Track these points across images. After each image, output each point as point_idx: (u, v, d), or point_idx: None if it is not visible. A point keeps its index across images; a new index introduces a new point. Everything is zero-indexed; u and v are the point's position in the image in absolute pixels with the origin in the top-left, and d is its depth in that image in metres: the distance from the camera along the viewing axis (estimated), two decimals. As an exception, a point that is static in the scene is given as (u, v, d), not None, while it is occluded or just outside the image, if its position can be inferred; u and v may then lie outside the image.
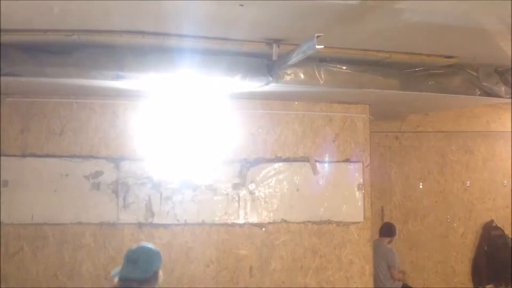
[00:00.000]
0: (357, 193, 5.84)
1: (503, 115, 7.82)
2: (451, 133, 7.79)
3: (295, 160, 5.73)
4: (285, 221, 5.67)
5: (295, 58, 3.85)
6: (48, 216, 5.25)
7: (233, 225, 5.56)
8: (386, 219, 7.49)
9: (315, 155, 5.77)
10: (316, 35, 3.33)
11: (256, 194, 5.63)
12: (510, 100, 5.35)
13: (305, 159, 5.75)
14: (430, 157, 7.76)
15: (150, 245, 3.31)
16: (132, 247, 3.24)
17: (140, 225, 5.40)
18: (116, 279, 3.08)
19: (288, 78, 4.67)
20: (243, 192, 5.61)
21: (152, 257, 3.22)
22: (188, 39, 4.10)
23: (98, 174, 5.36)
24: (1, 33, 3.84)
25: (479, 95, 5.25)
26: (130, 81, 4.48)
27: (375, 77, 4.90)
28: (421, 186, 7.73)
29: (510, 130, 7.76)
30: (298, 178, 5.73)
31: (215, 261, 5.52)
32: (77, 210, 5.30)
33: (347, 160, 5.85)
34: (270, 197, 5.65)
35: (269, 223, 5.64)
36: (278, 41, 4.18)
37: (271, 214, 5.65)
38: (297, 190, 5.72)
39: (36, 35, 3.96)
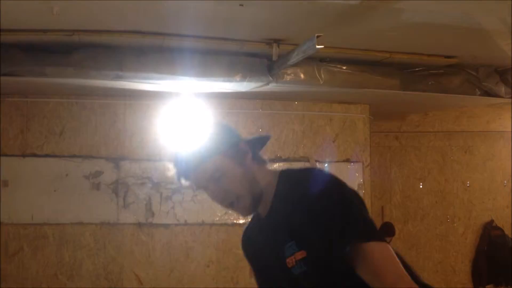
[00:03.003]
0: (357, 193, 5.83)
1: (503, 115, 7.80)
2: (451, 133, 7.78)
3: (295, 160, 5.73)
4: (285, 221, 5.66)
5: (295, 58, 3.85)
6: (48, 216, 5.25)
7: (233, 225, 5.56)
8: (386, 219, 7.48)
9: (315, 155, 5.77)
10: (316, 35, 3.33)
11: (256, 194, 5.62)
12: (510, 100, 5.34)
13: (305, 159, 5.75)
14: (430, 157, 7.75)
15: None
16: None
17: (140, 225, 5.40)
18: None
19: (288, 78, 4.67)
20: (243, 192, 5.60)
21: None
22: (188, 39, 4.10)
23: (98, 174, 5.36)
24: (1, 33, 3.84)
25: (479, 95, 5.24)
26: (130, 81, 4.48)
27: (375, 77, 4.90)
28: (421, 186, 7.72)
29: (510, 130, 7.75)
30: (298, 178, 5.71)
31: (215, 261, 5.52)
32: (77, 210, 5.30)
33: (347, 160, 5.85)
34: (270, 197, 5.64)
35: (269, 223, 5.63)
36: (278, 41, 4.17)
37: (271, 214, 5.64)
38: (297, 190, 5.71)
39: (36, 35, 3.96)
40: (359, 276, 1.67)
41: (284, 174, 1.90)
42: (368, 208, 6.08)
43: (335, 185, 1.85)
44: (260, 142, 2.05)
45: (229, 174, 1.84)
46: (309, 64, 4.66)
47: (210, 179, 1.84)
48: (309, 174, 1.92)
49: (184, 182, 1.89)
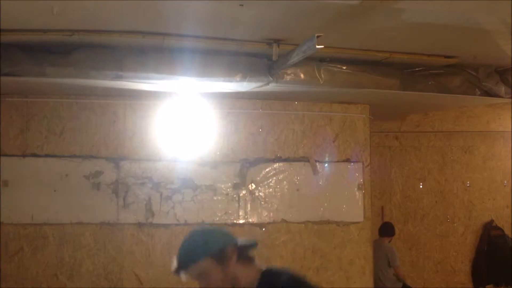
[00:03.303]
0: (357, 193, 5.84)
1: (503, 115, 7.82)
2: (451, 133, 7.79)
3: (295, 160, 5.73)
4: (285, 221, 5.67)
5: (295, 58, 3.85)
6: (48, 216, 5.25)
7: (233, 225, 5.56)
8: (386, 219, 7.49)
9: (315, 155, 5.77)
10: (316, 35, 3.33)
11: (256, 194, 5.63)
12: (510, 100, 5.35)
13: (305, 159, 5.75)
14: (430, 157, 7.76)
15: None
16: None
17: (140, 225, 5.40)
18: None
19: (288, 78, 4.67)
20: (243, 192, 5.61)
21: None
22: (188, 39, 4.10)
23: (98, 174, 5.36)
24: (1, 33, 3.84)
25: (479, 95, 5.25)
26: (130, 81, 4.48)
27: (375, 77, 4.90)
28: (421, 186, 7.73)
29: (510, 130, 7.76)
30: (298, 178, 5.72)
31: (215, 261, 5.51)
32: (77, 210, 5.30)
33: (347, 160, 5.85)
34: (270, 197, 5.65)
35: (269, 223, 5.64)
36: (278, 41, 4.17)
37: (271, 214, 5.65)
38: (297, 190, 5.72)
39: (36, 35, 3.96)
40: None
41: (265, 274, 2.30)
42: (368, 208, 6.04)
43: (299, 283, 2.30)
44: (248, 245, 2.35)
45: (214, 275, 2.22)
46: (309, 64, 4.67)
47: (199, 276, 2.23)
48: (285, 276, 2.31)
49: (183, 275, 2.26)
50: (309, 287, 2.31)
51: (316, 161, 5.76)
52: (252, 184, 5.62)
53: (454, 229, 7.80)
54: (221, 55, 4.44)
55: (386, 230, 7.03)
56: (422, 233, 7.72)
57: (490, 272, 7.70)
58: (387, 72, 4.94)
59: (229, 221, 5.55)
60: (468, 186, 7.82)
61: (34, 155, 5.29)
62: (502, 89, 5.21)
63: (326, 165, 5.80)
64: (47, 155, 5.30)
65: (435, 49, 4.63)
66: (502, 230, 7.79)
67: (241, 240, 2.32)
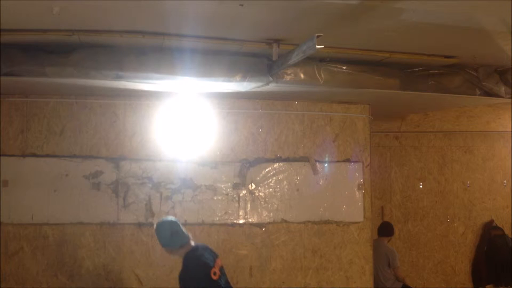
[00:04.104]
0: (357, 193, 5.84)
1: (503, 115, 7.83)
2: (451, 133, 7.79)
3: (295, 160, 5.73)
4: (285, 221, 5.67)
5: (295, 58, 3.85)
6: (48, 216, 5.25)
7: (233, 225, 5.56)
8: (386, 219, 7.49)
9: (315, 155, 5.77)
10: (316, 35, 3.33)
11: (256, 194, 5.63)
12: (510, 100, 5.35)
13: (305, 159, 5.75)
14: (430, 157, 7.76)
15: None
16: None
17: (140, 225, 5.40)
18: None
19: (288, 78, 4.67)
20: (243, 192, 5.61)
21: None
22: (188, 39, 4.10)
23: (98, 174, 5.36)
24: (1, 33, 3.84)
25: (479, 95, 5.25)
26: (130, 81, 4.48)
27: (375, 77, 4.91)
28: (421, 186, 7.73)
29: (510, 130, 7.77)
30: (298, 178, 5.73)
31: (215, 261, 5.51)
32: (77, 210, 5.30)
33: (347, 160, 5.85)
34: (270, 197, 5.66)
35: (269, 223, 5.64)
36: (278, 41, 4.18)
37: (271, 214, 5.65)
38: (297, 190, 5.72)
39: (36, 35, 3.97)
40: None
41: (186, 256, 3.99)
42: (368, 208, 6.03)
43: (193, 265, 3.93)
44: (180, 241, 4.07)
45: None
46: (309, 64, 4.67)
47: None
48: (189, 257, 3.99)
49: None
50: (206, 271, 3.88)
51: (316, 161, 5.76)
52: (252, 184, 5.63)
53: (454, 229, 7.80)
54: (221, 55, 4.45)
55: (385, 230, 7.03)
56: (422, 233, 7.72)
57: (490, 272, 7.69)
58: (387, 72, 4.95)
59: (229, 221, 5.55)
60: (468, 186, 7.82)
61: (34, 155, 5.29)
62: (502, 89, 5.22)
63: (326, 165, 5.80)
64: (47, 155, 5.30)
65: (435, 49, 4.63)
66: (502, 230, 7.79)
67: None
